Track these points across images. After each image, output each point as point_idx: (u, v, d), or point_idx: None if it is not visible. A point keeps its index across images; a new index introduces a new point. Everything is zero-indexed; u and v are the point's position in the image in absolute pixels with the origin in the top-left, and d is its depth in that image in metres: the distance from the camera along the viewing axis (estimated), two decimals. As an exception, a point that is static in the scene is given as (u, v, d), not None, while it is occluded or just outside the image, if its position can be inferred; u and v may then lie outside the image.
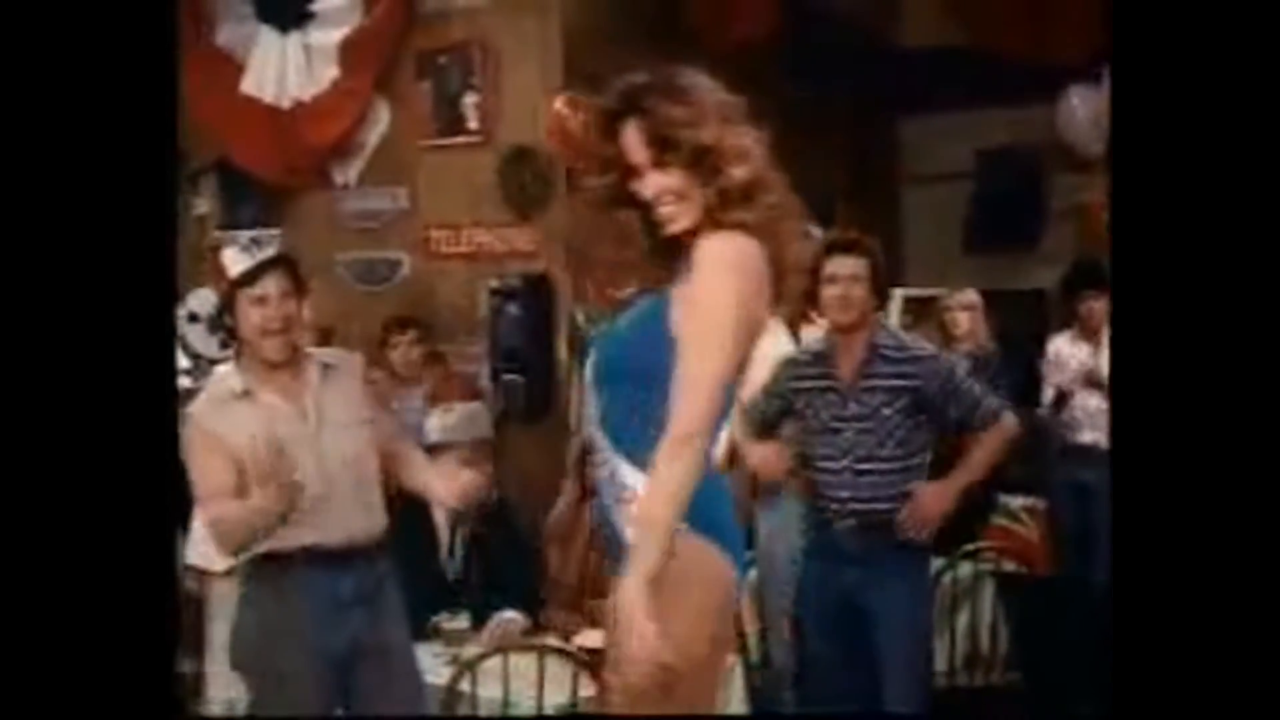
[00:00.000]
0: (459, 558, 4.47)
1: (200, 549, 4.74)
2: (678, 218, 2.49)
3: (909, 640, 4.00)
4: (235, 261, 3.46)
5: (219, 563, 4.59)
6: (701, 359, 2.40)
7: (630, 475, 2.48)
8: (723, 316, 2.41)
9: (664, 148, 2.46)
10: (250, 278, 3.42)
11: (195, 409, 3.49)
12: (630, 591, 2.32)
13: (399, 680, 3.55)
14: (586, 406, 2.62)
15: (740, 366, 2.51)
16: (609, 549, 2.63)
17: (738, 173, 2.47)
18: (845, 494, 3.91)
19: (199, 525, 4.66)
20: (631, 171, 2.51)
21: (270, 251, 3.49)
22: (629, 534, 2.44)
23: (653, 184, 2.48)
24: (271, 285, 3.41)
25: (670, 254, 2.55)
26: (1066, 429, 5.62)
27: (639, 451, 2.44)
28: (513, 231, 5.90)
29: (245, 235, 3.65)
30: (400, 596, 3.61)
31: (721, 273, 2.42)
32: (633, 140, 2.48)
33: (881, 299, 4.05)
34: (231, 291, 3.44)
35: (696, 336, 2.41)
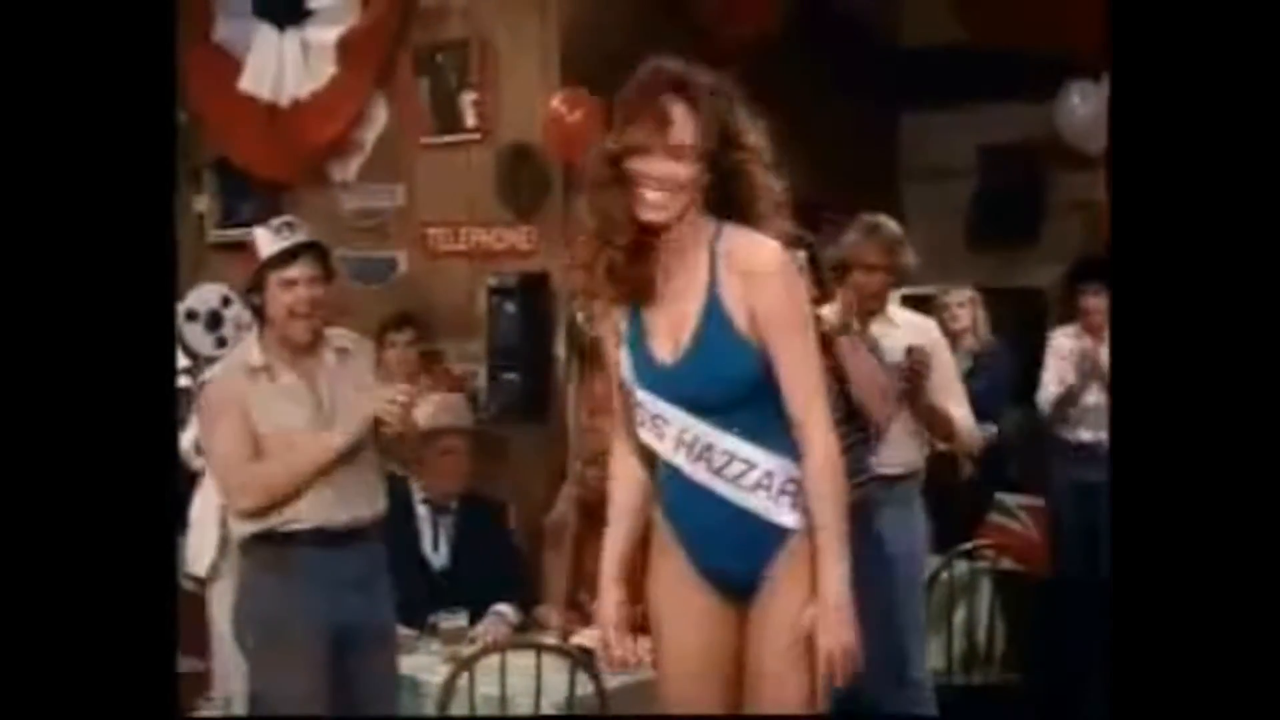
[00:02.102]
0: (443, 550, 4.48)
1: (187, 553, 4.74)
2: (663, 208, 2.52)
3: (892, 633, 3.99)
4: (267, 243, 3.57)
5: (203, 563, 4.62)
6: (810, 356, 2.58)
7: (732, 445, 2.57)
8: (809, 311, 2.62)
9: (706, 138, 2.51)
10: (281, 261, 3.51)
11: (213, 378, 3.62)
12: (838, 592, 2.53)
13: (382, 666, 3.64)
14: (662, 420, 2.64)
15: None
16: (695, 522, 2.65)
17: (770, 186, 2.58)
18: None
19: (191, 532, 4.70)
20: (633, 152, 2.52)
21: (301, 236, 3.60)
22: (750, 503, 2.56)
23: (658, 167, 2.50)
24: (301, 269, 3.53)
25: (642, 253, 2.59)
26: (1067, 427, 5.59)
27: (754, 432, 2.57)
28: (510, 230, 5.89)
29: (278, 220, 3.73)
30: (390, 583, 3.68)
31: (793, 275, 2.58)
32: (673, 120, 2.50)
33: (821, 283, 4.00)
34: (261, 273, 3.53)
35: (799, 339, 2.56)
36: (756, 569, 2.60)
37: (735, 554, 2.60)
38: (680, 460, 2.60)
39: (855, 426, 3.89)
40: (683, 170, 2.50)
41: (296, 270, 3.51)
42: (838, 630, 2.53)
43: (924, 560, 4.45)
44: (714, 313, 2.55)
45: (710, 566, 2.64)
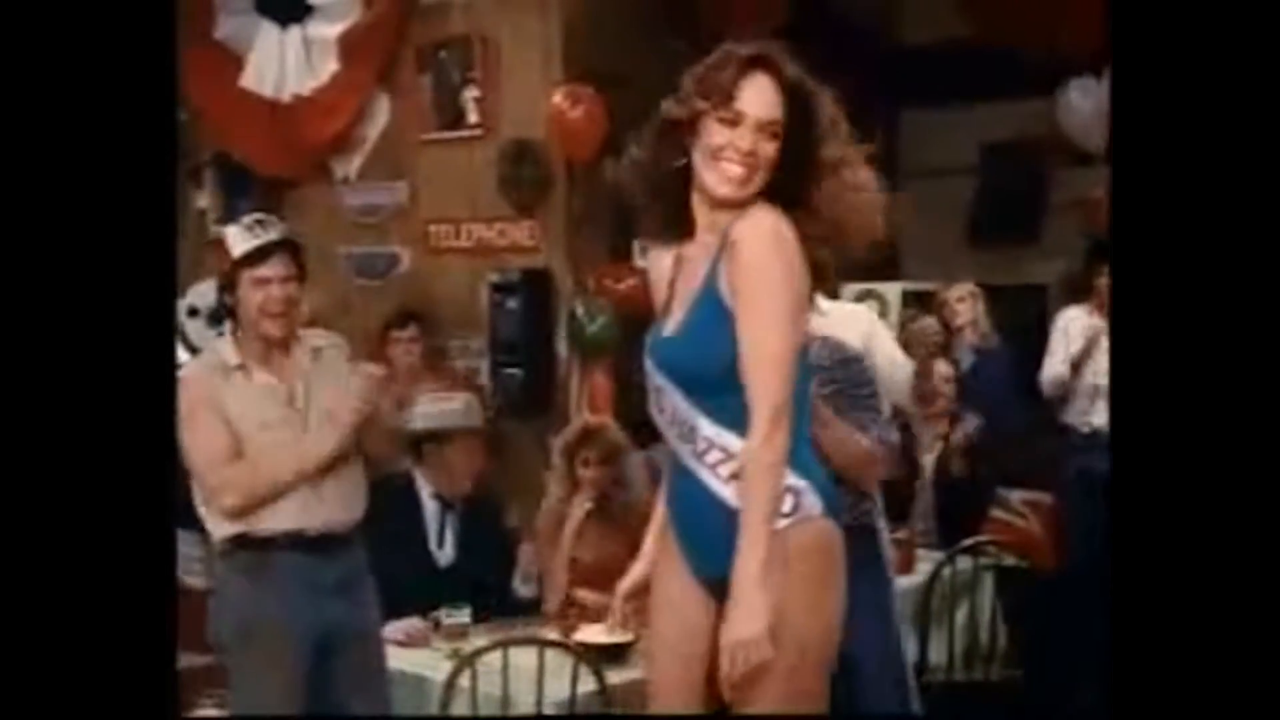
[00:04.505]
0: (449, 547, 4.48)
1: None
2: (743, 184, 2.49)
3: (882, 644, 3.96)
4: (239, 241, 3.52)
5: None
6: (771, 329, 2.44)
7: (712, 431, 2.51)
8: (782, 286, 2.44)
9: (791, 115, 2.48)
10: (253, 259, 3.47)
11: (189, 375, 3.53)
12: (751, 572, 2.40)
13: (370, 669, 3.62)
14: (651, 391, 2.64)
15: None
16: (684, 514, 2.63)
17: (845, 163, 2.52)
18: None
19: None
20: (703, 126, 2.50)
21: (274, 234, 3.54)
22: (725, 495, 2.50)
23: (746, 141, 2.47)
24: (274, 268, 3.48)
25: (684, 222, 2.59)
26: (1071, 411, 5.55)
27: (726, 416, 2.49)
28: (513, 226, 5.90)
29: (250, 216, 3.66)
30: (375, 585, 3.66)
31: (769, 244, 2.44)
32: (761, 94, 2.48)
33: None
34: (233, 271, 3.50)
35: (761, 308, 2.44)
36: (728, 566, 2.52)
37: (716, 553, 2.54)
38: (672, 438, 2.59)
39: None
40: (769, 147, 2.48)
41: (268, 269, 3.47)
42: (741, 624, 2.42)
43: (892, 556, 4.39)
44: (709, 288, 2.51)
45: (692, 560, 2.63)
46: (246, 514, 3.44)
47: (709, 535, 2.57)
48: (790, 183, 2.52)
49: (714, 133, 2.49)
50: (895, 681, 4.05)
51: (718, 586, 2.57)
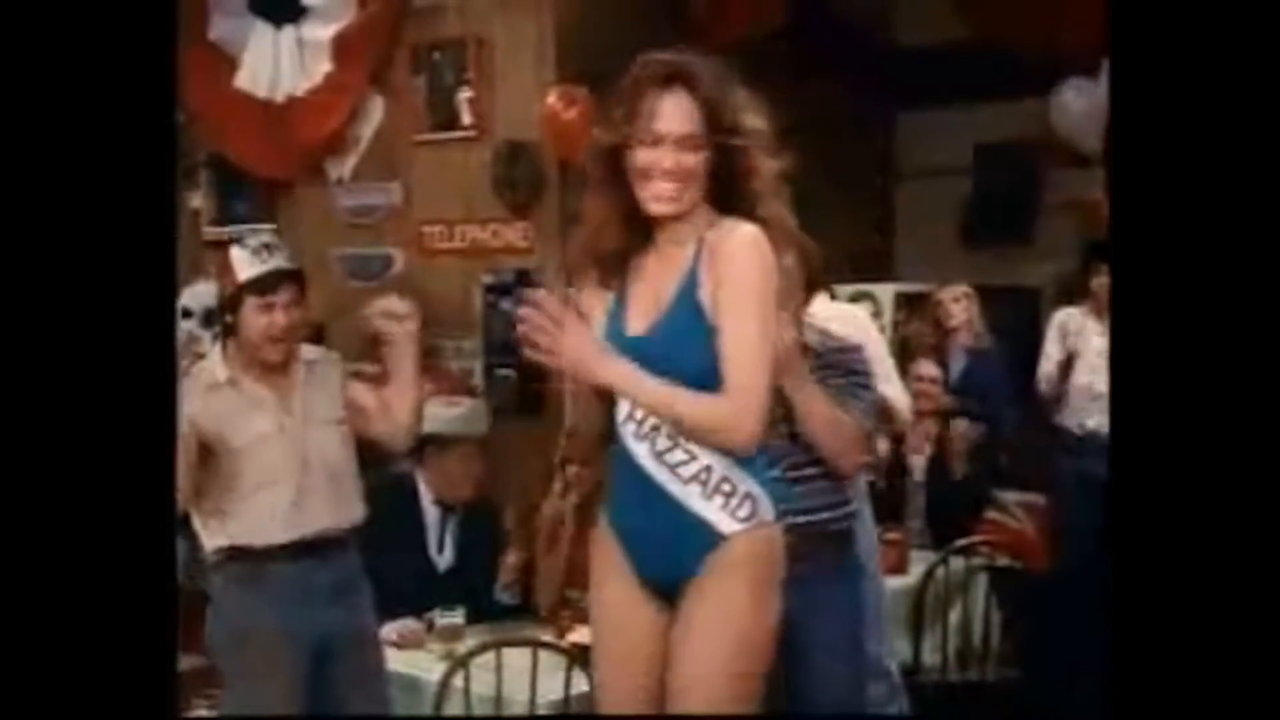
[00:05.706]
0: (448, 551, 4.48)
1: None
2: (676, 200, 2.52)
3: (845, 661, 3.90)
4: (245, 265, 3.50)
5: None
6: (759, 323, 2.48)
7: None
8: (766, 290, 2.49)
9: (709, 126, 2.50)
10: (259, 285, 3.46)
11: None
12: (627, 372, 2.49)
13: (368, 673, 3.62)
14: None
15: None
16: (631, 514, 2.65)
17: (768, 166, 2.54)
18: (780, 506, 3.63)
19: None
20: (629, 146, 2.53)
21: (282, 262, 3.53)
22: (682, 496, 2.53)
23: (668, 160, 2.50)
24: (280, 295, 3.48)
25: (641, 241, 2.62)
26: (1066, 412, 5.56)
27: None
28: (506, 227, 5.89)
29: (256, 239, 3.64)
30: (370, 589, 3.66)
31: (754, 255, 2.48)
32: (677, 110, 2.51)
33: (807, 292, 3.63)
34: (238, 293, 3.48)
35: (743, 307, 2.47)
36: (684, 573, 2.56)
37: (666, 557, 2.58)
38: (628, 434, 2.59)
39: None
40: (692, 159, 2.51)
41: (274, 296, 3.47)
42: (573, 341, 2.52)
43: (876, 552, 4.38)
44: (687, 295, 2.54)
45: (643, 570, 2.63)
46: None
47: (658, 536, 2.58)
48: (728, 192, 2.56)
49: (639, 154, 2.53)
50: (863, 675, 4.03)
51: (665, 590, 2.60)
